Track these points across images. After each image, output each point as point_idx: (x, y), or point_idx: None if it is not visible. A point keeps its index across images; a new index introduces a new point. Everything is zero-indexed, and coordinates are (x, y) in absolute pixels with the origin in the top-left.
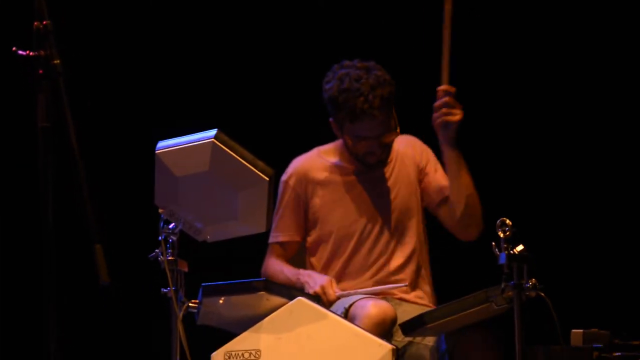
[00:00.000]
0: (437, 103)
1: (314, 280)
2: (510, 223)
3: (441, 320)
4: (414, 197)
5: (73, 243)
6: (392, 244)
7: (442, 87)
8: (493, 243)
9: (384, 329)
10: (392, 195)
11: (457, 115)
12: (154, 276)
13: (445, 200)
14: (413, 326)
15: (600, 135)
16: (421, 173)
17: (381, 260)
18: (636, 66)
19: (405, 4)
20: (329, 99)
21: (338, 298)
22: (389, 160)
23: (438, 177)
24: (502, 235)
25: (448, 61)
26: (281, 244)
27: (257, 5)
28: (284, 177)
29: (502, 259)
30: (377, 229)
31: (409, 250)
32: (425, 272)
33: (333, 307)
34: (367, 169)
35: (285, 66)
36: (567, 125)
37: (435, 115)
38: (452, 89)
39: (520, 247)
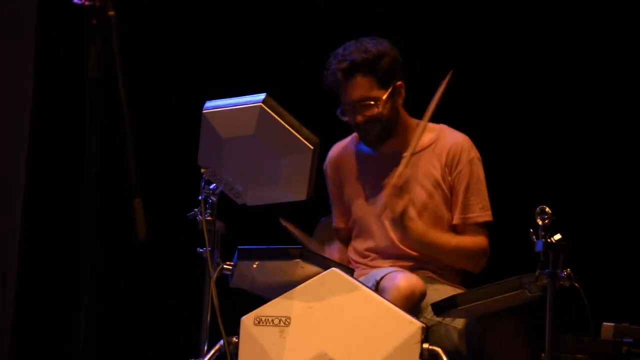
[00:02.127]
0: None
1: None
2: (550, 211)
3: (473, 304)
4: (436, 198)
5: (113, 196)
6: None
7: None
8: (531, 230)
9: (412, 302)
10: (413, 188)
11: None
12: (191, 235)
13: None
14: (444, 307)
15: None
16: (450, 186)
17: (396, 248)
18: None
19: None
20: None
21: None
22: (417, 152)
23: (456, 203)
24: (540, 222)
25: None
26: (336, 230)
27: None
28: (324, 166)
29: (539, 246)
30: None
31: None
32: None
33: (364, 279)
34: (393, 159)
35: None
36: (608, 118)
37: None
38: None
39: (557, 236)
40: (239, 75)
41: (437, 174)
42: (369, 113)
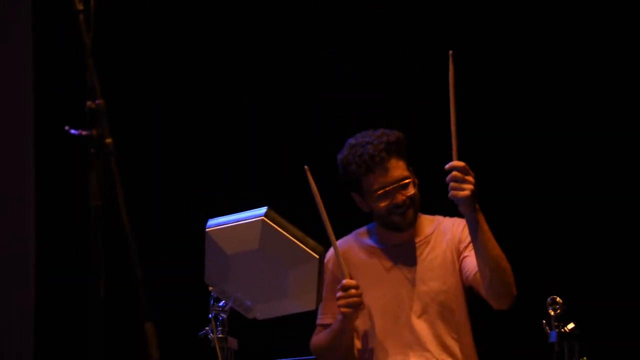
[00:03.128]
0: (447, 179)
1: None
2: (561, 301)
3: None
4: (452, 278)
5: (123, 321)
6: (427, 326)
7: (450, 164)
8: (544, 321)
9: None
10: (427, 278)
11: (465, 191)
12: (203, 354)
13: (476, 272)
14: None
15: None
16: (460, 255)
17: (416, 341)
18: None
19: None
20: (342, 164)
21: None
22: (424, 241)
23: (473, 255)
24: (552, 313)
25: (456, 136)
26: (325, 325)
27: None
28: (325, 260)
29: (553, 337)
30: (411, 311)
31: (446, 331)
32: (464, 352)
33: None
34: (401, 250)
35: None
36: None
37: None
38: (460, 164)
39: (571, 325)
40: (240, 192)
41: (448, 253)
42: (408, 193)
